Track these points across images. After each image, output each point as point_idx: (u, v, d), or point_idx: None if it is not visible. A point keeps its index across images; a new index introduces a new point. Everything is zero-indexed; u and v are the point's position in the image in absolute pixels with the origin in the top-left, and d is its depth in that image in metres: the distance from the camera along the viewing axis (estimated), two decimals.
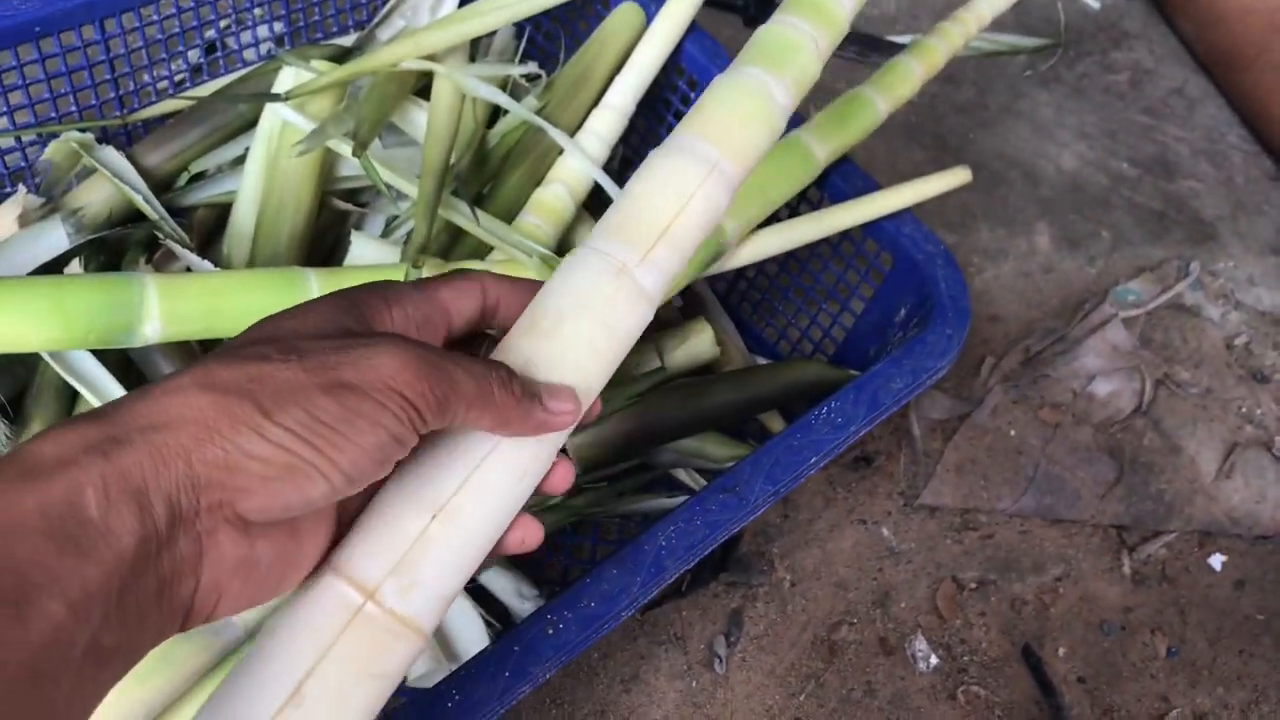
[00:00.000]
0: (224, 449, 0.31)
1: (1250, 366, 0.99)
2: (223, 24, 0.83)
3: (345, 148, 0.70)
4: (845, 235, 0.80)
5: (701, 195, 0.44)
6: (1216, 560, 0.89)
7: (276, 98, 0.71)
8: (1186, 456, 0.92)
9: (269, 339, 0.35)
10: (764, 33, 0.49)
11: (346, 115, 0.72)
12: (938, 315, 0.72)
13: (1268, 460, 0.93)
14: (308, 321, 0.36)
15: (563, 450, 0.42)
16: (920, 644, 0.82)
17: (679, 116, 0.86)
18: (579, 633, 0.57)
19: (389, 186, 0.71)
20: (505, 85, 0.81)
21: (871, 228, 0.78)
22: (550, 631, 0.57)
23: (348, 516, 0.38)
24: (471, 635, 0.68)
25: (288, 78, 0.74)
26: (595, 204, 0.80)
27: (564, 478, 0.43)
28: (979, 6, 0.82)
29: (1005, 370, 0.94)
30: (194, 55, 0.84)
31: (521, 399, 0.37)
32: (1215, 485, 0.91)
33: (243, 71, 0.83)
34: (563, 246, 0.77)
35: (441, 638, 0.68)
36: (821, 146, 0.76)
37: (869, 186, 0.78)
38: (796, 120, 0.78)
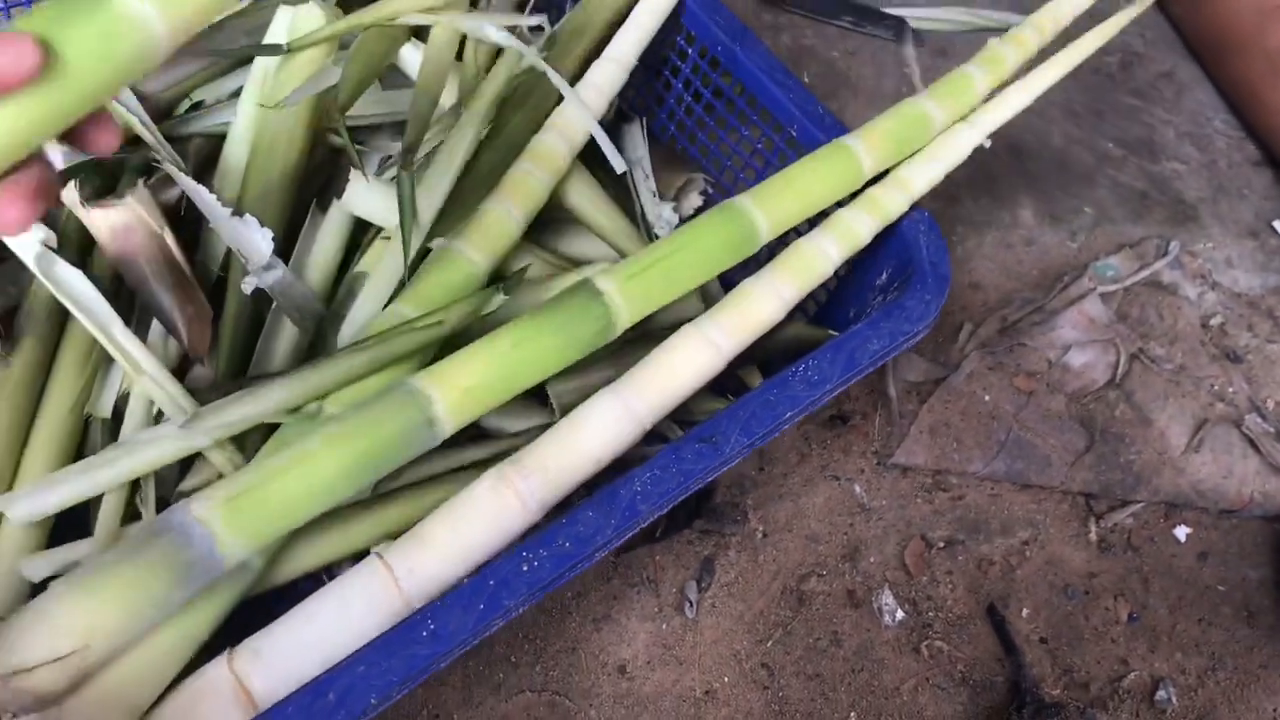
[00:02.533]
0: None
1: (1224, 346, 1.01)
2: None
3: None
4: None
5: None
6: (1181, 532, 0.91)
7: (276, 49, 0.72)
8: (1157, 429, 0.94)
9: None
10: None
11: (334, 69, 0.72)
12: (917, 280, 0.73)
13: (1236, 437, 0.95)
14: None
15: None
16: (887, 598, 0.84)
17: (675, 73, 0.88)
18: (553, 570, 0.58)
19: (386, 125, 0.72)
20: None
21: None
22: (525, 568, 0.58)
23: None
24: None
25: (283, 21, 0.74)
26: (589, 154, 0.81)
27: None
28: (1057, 9, 0.80)
29: (982, 337, 0.96)
30: None
31: None
32: (1184, 459, 0.93)
33: (246, 3, 0.83)
34: (555, 194, 0.78)
35: None
36: (870, 158, 0.74)
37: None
38: (839, 132, 0.78)
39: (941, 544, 0.87)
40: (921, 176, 0.75)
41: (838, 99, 1.12)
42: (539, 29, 0.81)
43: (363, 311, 0.72)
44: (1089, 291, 0.99)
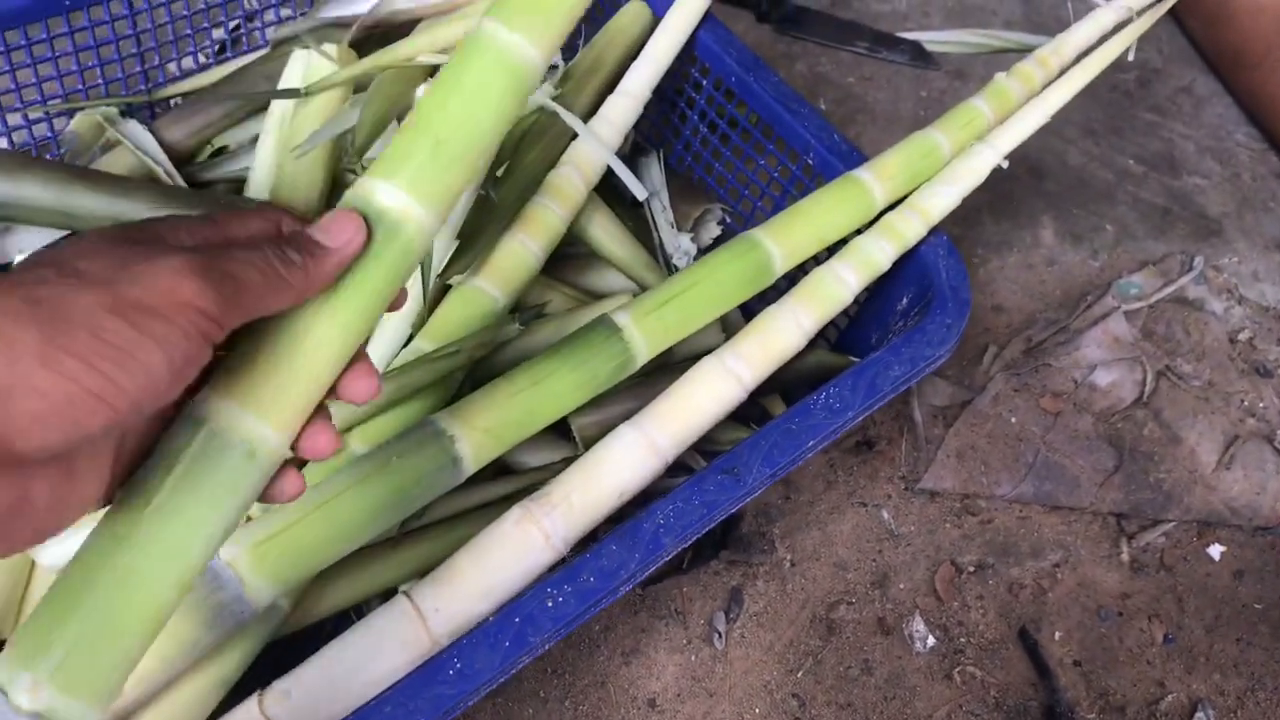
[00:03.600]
0: (3, 381, 0.29)
1: (1253, 361, 1.00)
2: (249, 2, 0.85)
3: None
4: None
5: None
6: (1215, 550, 0.90)
7: (293, 93, 0.73)
8: (1187, 447, 0.93)
9: (47, 263, 0.32)
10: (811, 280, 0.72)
11: (351, 111, 0.73)
12: (938, 305, 0.72)
13: (1269, 453, 0.94)
14: (84, 247, 0.33)
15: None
16: (918, 625, 0.83)
17: (690, 104, 0.88)
18: (578, 605, 0.58)
19: None
20: None
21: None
22: (550, 604, 0.58)
23: (127, 452, 0.37)
24: None
25: (298, 66, 0.75)
26: (605, 187, 0.82)
27: (295, 484, 0.41)
28: (1061, 46, 0.81)
29: (1007, 359, 0.95)
30: (219, 33, 0.86)
31: (305, 261, 0.37)
32: (1215, 476, 0.92)
33: (265, 50, 0.84)
34: (573, 228, 0.79)
35: None
36: (882, 190, 0.75)
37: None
38: (856, 158, 0.78)
39: (971, 568, 0.86)
40: (939, 201, 0.75)
41: (855, 125, 1.12)
42: (553, 67, 0.81)
43: (382, 348, 0.72)
44: (1113, 310, 0.99)
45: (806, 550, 0.85)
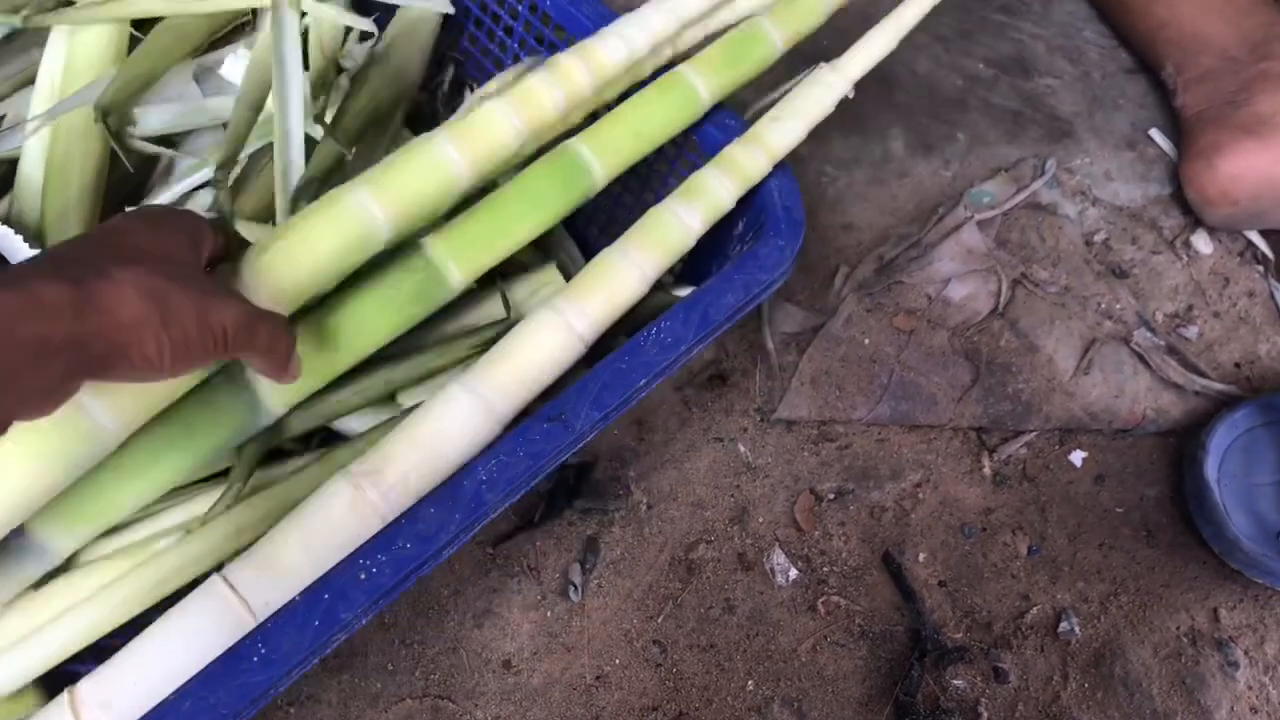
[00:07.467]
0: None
1: (1109, 262, 0.99)
2: None
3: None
4: (682, 149, 0.77)
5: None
6: (1077, 457, 0.90)
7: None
8: (1044, 355, 0.92)
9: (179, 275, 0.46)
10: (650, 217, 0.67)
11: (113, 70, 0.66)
12: (770, 227, 0.69)
13: (1126, 354, 0.93)
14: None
15: None
16: (779, 558, 0.81)
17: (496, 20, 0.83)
18: (394, 575, 0.54)
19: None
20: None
21: (704, 137, 0.75)
22: (363, 576, 0.54)
23: None
24: None
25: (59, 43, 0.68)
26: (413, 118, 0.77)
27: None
28: None
29: (859, 279, 0.93)
30: None
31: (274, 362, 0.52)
32: (1074, 382, 0.91)
33: None
34: None
35: None
36: (708, 86, 0.70)
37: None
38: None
39: (831, 496, 0.84)
40: (784, 138, 0.70)
41: None
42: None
43: None
44: (965, 220, 0.97)
45: (663, 491, 0.82)
